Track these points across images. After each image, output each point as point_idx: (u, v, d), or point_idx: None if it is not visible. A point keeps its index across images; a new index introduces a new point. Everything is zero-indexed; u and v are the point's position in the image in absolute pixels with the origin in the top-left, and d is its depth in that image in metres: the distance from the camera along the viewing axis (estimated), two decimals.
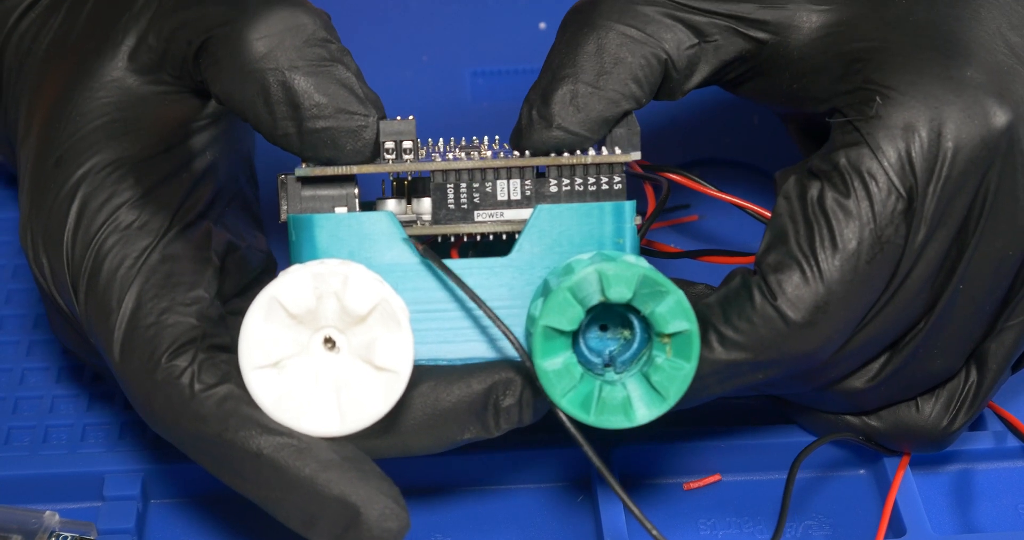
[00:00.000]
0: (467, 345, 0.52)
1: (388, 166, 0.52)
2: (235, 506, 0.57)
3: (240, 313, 0.54)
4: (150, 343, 0.50)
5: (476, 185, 0.52)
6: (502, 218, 0.53)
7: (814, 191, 0.51)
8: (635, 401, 0.50)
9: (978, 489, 0.57)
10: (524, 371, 0.52)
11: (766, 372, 0.52)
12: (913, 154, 0.51)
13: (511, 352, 0.52)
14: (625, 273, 0.49)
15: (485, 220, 0.53)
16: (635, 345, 0.51)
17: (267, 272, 0.58)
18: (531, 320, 0.51)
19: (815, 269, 0.51)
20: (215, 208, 0.55)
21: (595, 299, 0.49)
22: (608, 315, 0.51)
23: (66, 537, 0.55)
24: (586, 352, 0.51)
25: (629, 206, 0.52)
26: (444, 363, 0.52)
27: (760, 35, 0.54)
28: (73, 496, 0.57)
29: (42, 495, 0.57)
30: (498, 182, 0.52)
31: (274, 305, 0.50)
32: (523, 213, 0.53)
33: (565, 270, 0.50)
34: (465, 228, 0.53)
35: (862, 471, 0.58)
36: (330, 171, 0.52)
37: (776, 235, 0.52)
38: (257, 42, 0.52)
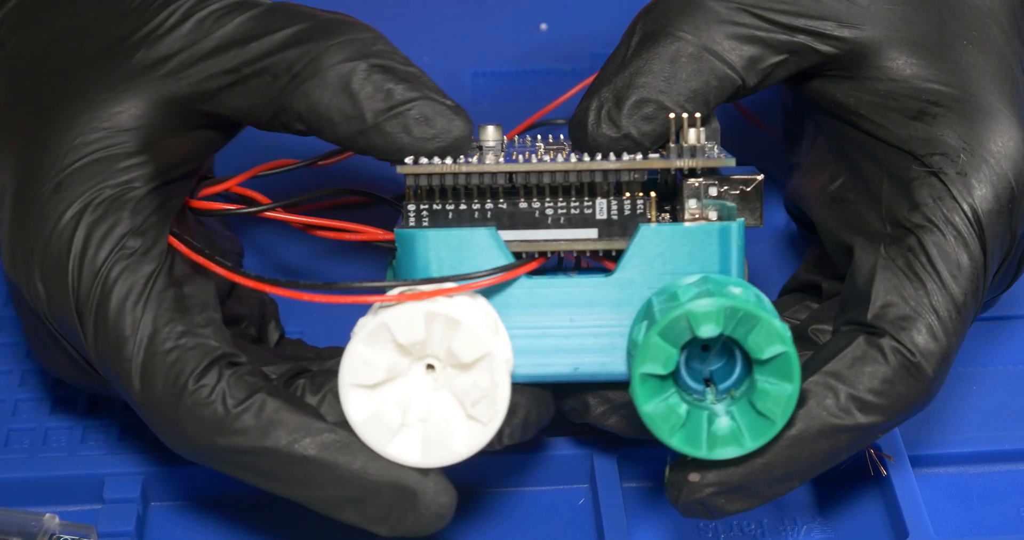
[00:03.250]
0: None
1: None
2: (236, 508, 0.57)
3: (233, 321, 0.55)
4: (173, 368, 0.50)
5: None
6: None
7: (915, 245, 0.52)
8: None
9: (980, 492, 0.57)
10: (530, 394, 0.53)
11: (892, 426, 0.52)
12: (997, 209, 0.52)
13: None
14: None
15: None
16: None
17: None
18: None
19: (939, 323, 0.51)
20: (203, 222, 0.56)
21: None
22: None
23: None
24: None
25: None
26: (548, 380, 0.53)
27: (834, 52, 0.54)
28: (73, 499, 0.57)
29: (42, 498, 0.57)
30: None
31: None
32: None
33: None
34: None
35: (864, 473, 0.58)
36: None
37: (889, 291, 0.51)
38: (335, 54, 0.52)
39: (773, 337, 0.49)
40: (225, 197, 0.57)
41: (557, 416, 0.55)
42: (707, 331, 0.49)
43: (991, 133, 0.53)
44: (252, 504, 0.57)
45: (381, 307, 0.50)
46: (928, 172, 0.52)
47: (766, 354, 0.49)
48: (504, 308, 0.52)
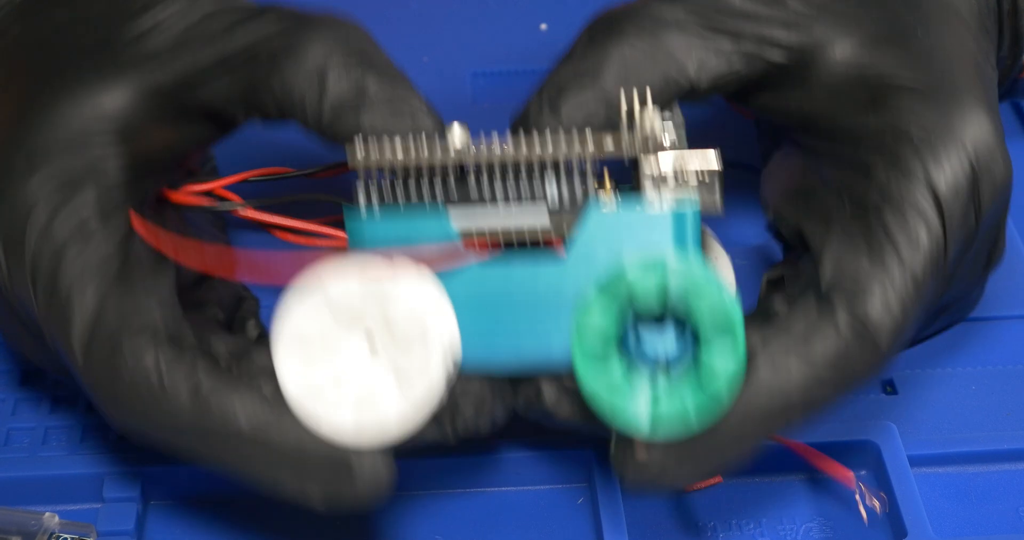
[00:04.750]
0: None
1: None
2: (235, 508, 0.57)
3: (197, 306, 0.55)
4: (114, 346, 0.50)
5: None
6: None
7: (875, 221, 0.51)
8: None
9: (979, 491, 0.57)
10: (488, 383, 0.52)
11: (842, 399, 0.51)
12: (956, 189, 0.52)
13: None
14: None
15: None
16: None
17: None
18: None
19: (895, 296, 0.50)
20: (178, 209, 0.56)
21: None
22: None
23: (65, 539, 0.55)
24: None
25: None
26: (497, 368, 0.52)
27: (783, 59, 0.54)
28: (72, 497, 0.57)
29: (41, 497, 0.57)
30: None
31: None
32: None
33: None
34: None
35: (863, 472, 0.58)
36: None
37: (847, 265, 0.51)
38: (316, 43, 0.53)
39: (717, 312, 0.48)
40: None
41: None
42: (647, 304, 0.48)
43: (949, 115, 0.52)
44: (251, 504, 0.57)
45: (321, 276, 0.50)
46: (885, 155, 0.52)
47: (710, 330, 0.48)
48: (453, 295, 0.51)
